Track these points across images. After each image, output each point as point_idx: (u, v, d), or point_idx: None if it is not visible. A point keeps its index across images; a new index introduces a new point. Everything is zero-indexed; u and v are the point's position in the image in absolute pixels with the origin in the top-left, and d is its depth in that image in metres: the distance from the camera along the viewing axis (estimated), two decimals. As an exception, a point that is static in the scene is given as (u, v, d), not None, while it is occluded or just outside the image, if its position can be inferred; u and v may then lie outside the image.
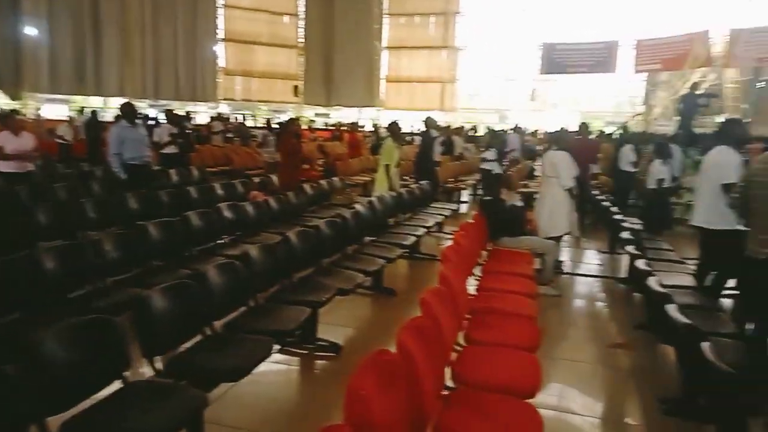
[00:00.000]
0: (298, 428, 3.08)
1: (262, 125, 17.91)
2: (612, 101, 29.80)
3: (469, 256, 4.28)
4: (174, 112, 11.34)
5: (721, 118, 24.87)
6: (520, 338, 3.15)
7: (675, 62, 22.59)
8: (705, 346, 2.24)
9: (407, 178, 9.53)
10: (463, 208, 10.38)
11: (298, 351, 3.94)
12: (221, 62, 24.34)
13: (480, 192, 10.49)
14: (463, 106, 28.75)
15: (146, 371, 2.77)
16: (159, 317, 2.74)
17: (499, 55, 28.67)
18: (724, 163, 4.44)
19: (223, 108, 25.30)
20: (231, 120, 18.26)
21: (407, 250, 5.73)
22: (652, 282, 3.28)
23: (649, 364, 4.09)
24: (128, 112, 6.78)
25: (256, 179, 7.59)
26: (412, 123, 19.68)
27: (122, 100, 8.10)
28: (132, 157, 6.67)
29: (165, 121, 10.42)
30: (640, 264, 3.79)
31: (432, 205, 7.95)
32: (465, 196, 11.35)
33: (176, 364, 2.72)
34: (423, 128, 10.16)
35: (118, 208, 5.88)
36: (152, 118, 12.88)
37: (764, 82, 23.68)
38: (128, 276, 4.09)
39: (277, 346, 3.85)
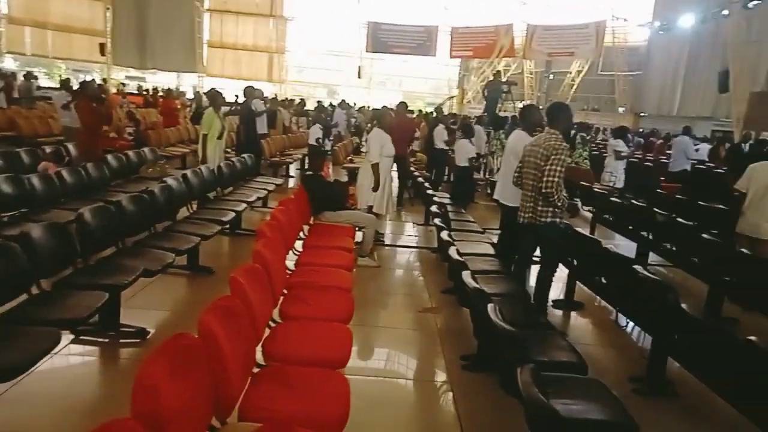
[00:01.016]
0: (92, 425, 2.79)
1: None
2: (432, 83, 31.80)
3: (289, 232, 4.24)
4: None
5: (520, 104, 28.04)
6: (334, 310, 3.22)
7: (484, 51, 24.92)
8: (489, 306, 2.51)
9: (229, 150, 9.12)
10: (291, 183, 10.30)
11: (98, 340, 3.56)
12: (3, 8, 20.60)
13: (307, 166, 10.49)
14: (292, 78, 28.33)
15: None
16: None
17: (329, 29, 28.68)
18: (519, 146, 4.99)
19: (9, 63, 21.53)
20: (20, 78, 15.58)
21: (227, 226, 5.50)
22: (452, 251, 3.59)
23: (455, 325, 4.49)
24: None
25: (48, 148, 6.60)
26: (237, 93, 18.85)
27: None
28: None
29: None
30: (444, 235, 4.12)
31: (256, 179, 7.73)
32: (293, 170, 11.25)
33: (-75, 370, 2.26)
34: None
35: None
36: None
37: (553, 75, 27.44)
38: None
39: (70, 337, 3.46)
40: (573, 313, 4.95)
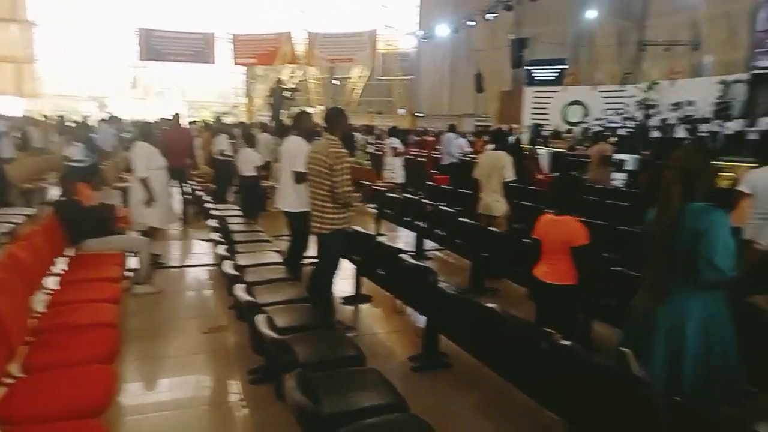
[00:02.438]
0: None
1: None
2: (218, 91, 30.72)
3: (34, 270, 3.66)
4: None
5: (311, 110, 28.56)
6: (93, 351, 2.87)
7: (267, 58, 24.92)
8: (258, 317, 2.47)
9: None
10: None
11: None
12: None
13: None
14: (52, 91, 24.84)
15: None
16: None
17: (93, 36, 25.78)
18: (294, 152, 5.02)
19: None
20: None
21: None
22: (226, 266, 3.47)
23: (245, 341, 4.36)
24: None
25: None
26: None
27: None
28: None
29: None
30: (219, 250, 3.97)
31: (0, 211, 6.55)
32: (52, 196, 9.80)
33: None
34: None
35: None
36: None
37: (338, 81, 28.66)
38: None
39: None
40: (362, 307, 5.19)
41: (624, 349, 2.36)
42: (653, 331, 2.38)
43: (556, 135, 22.81)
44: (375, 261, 4.53)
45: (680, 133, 17.97)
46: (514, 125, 23.37)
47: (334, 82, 28.58)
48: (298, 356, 2.81)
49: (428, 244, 6.96)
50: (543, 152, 15.45)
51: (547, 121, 23.32)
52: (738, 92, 18.33)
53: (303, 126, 5.26)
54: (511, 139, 12.19)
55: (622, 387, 2.14)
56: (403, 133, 13.58)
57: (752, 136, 16.28)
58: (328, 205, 4.03)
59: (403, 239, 7.71)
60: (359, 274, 5.18)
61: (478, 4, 20.69)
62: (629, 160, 13.54)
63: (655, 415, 1.96)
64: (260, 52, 25.16)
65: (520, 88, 24.52)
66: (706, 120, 18.07)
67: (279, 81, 13.83)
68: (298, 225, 5.00)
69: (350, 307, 5.14)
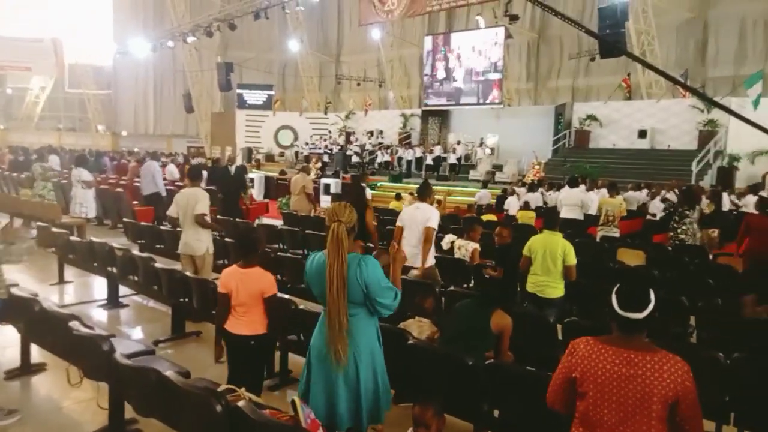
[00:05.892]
0: None
1: None
2: None
3: None
4: None
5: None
6: None
7: None
8: None
9: None
10: None
11: None
12: None
13: None
14: None
15: None
16: None
17: None
18: None
19: None
20: None
21: None
22: None
23: None
24: None
25: None
26: None
27: None
28: None
29: None
30: None
31: None
32: None
33: None
34: None
35: None
36: None
37: (11, 90, 23.94)
38: None
39: None
40: (33, 379, 4.40)
41: (294, 397, 2.51)
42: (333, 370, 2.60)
43: (270, 158, 23.62)
44: (43, 327, 3.88)
45: (380, 157, 20.59)
46: (228, 147, 23.29)
47: (8, 90, 23.97)
48: None
49: (125, 288, 6.32)
50: (255, 176, 15.74)
51: (259, 144, 23.93)
52: (415, 124, 21.97)
53: None
54: (231, 168, 11.96)
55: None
56: (97, 158, 12.11)
57: (428, 161, 19.67)
58: None
59: (96, 285, 6.84)
60: (26, 342, 4.38)
61: (180, 24, 20.00)
62: (333, 183, 14.80)
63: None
64: None
65: (233, 110, 24.60)
66: (389, 147, 21.11)
67: None
68: None
69: (16, 383, 4.31)
